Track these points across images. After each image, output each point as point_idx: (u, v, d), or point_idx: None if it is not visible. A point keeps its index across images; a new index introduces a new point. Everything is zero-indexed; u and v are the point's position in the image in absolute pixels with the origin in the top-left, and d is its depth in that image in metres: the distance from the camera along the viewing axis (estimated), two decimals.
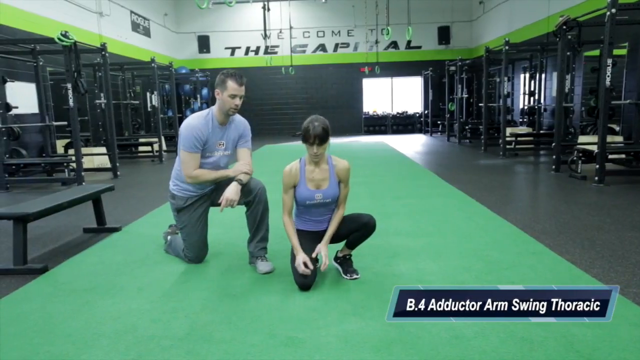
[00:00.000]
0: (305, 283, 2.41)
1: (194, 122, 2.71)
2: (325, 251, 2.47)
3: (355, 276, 2.58)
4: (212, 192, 2.89)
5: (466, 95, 12.52)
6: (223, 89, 2.64)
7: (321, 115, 2.51)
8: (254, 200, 2.78)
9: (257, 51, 16.35)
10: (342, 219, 2.60)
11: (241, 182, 2.69)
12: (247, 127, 2.91)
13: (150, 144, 9.49)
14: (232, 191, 2.64)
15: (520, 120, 11.82)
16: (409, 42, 15.76)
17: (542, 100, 10.16)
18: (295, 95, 16.69)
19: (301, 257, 2.39)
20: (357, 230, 2.56)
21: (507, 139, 8.69)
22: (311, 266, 2.36)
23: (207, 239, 2.94)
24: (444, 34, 15.95)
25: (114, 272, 2.83)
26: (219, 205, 2.66)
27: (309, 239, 2.55)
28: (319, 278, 2.62)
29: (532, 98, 10.65)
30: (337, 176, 2.54)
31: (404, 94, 17.14)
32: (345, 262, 2.65)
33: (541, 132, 9.69)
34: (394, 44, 16.28)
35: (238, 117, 2.87)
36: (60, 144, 8.44)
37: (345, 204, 2.57)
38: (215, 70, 15.28)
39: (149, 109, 12.24)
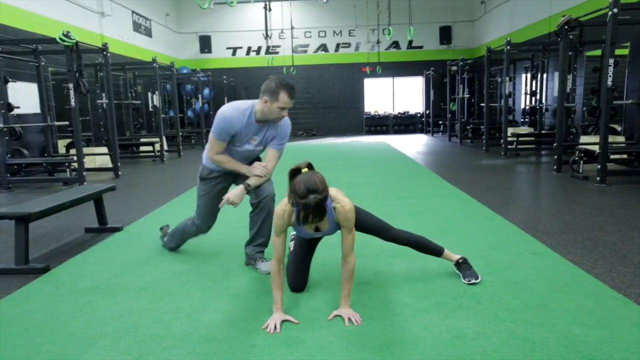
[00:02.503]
0: (297, 288, 2.42)
1: (228, 114, 2.60)
2: (347, 313, 2.10)
3: (474, 280, 2.46)
4: (236, 175, 2.85)
5: (467, 95, 12.52)
6: (274, 99, 2.50)
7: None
8: (258, 205, 2.76)
9: (258, 51, 16.35)
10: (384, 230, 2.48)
11: (248, 187, 2.66)
12: (287, 129, 2.73)
13: (152, 144, 9.50)
14: (235, 194, 2.62)
15: (522, 120, 11.81)
16: (410, 42, 15.77)
17: (543, 100, 10.15)
18: (297, 95, 16.50)
19: (277, 316, 2.06)
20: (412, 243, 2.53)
21: (509, 139, 8.68)
22: (279, 330, 2.01)
23: (217, 212, 2.91)
24: (445, 34, 15.94)
25: (115, 272, 2.84)
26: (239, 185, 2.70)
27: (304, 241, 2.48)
28: (321, 278, 2.62)
29: (533, 98, 10.64)
30: (336, 220, 2.18)
31: (406, 94, 17.14)
32: (461, 266, 2.56)
33: (543, 132, 9.68)
34: (396, 44, 16.28)
35: (284, 119, 2.73)
36: (61, 144, 8.46)
37: (353, 254, 2.16)
38: (216, 70, 15.54)
39: (151, 109, 12.32)
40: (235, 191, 2.63)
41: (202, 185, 2.86)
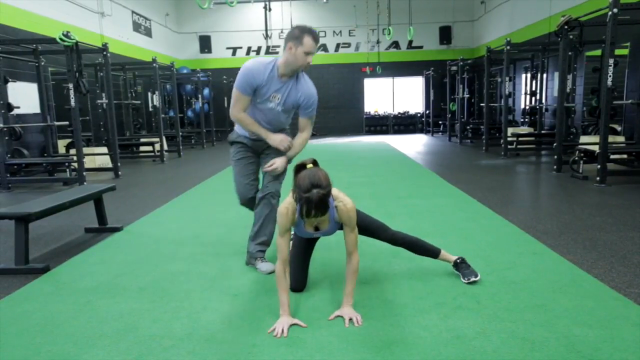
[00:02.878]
0: (296, 287, 2.42)
1: (251, 66, 2.61)
2: (348, 313, 2.09)
3: (473, 279, 2.46)
4: (261, 150, 2.87)
5: (467, 95, 12.52)
6: (298, 44, 2.51)
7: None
8: (262, 200, 2.78)
9: (258, 51, 16.36)
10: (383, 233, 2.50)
11: (290, 159, 2.76)
12: (312, 96, 2.70)
13: (152, 144, 9.50)
14: (282, 164, 2.70)
15: (522, 120, 11.81)
16: (410, 42, 15.77)
17: (543, 100, 10.16)
18: None
19: (284, 320, 2.04)
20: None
21: (509, 139, 8.68)
22: (286, 334, 1.99)
23: (251, 182, 2.89)
24: (445, 34, 15.94)
25: (115, 272, 2.84)
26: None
27: (304, 242, 2.49)
28: (321, 278, 2.62)
29: (533, 98, 10.65)
30: (338, 220, 2.20)
31: (406, 94, 17.14)
32: (460, 266, 2.56)
33: (542, 132, 9.68)
34: (396, 44, 16.28)
35: (306, 83, 2.70)
36: (61, 144, 8.46)
37: (357, 252, 2.19)
38: (216, 70, 15.50)
39: (150, 109, 12.32)
40: (281, 160, 2.70)
41: (231, 150, 2.93)
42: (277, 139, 2.71)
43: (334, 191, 2.15)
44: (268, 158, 2.78)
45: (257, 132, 2.73)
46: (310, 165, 2.09)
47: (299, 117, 2.77)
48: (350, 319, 2.06)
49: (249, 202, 2.94)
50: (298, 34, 2.52)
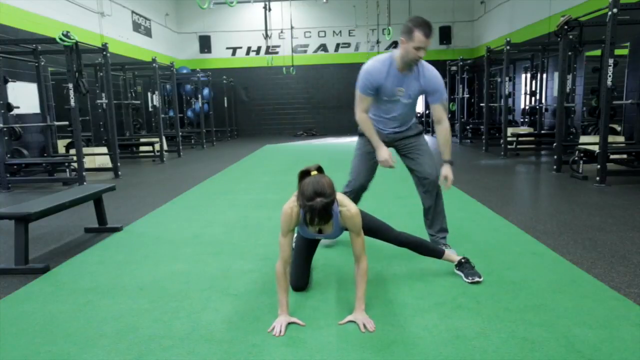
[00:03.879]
0: (298, 286, 2.42)
1: (370, 67, 2.71)
2: (361, 319, 2.05)
3: (476, 279, 2.46)
4: (396, 141, 2.98)
5: (467, 95, 12.53)
6: (409, 38, 2.56)
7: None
8: (423, 186, 2.96)
9: (258, 51, 16.35)
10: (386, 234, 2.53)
11: (451, 162, 2.88)
12: (436, 77, 2.75)
13: (152, 144, 9.50)
14: (450, 172, 2.81)
15: (522, 120, 11.82)
16: None
17: (543, 100, 10.16)
18: (296, 95, 16.70)
19: (282, 319, 2.05)
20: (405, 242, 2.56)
21: (509, 139, 8.68)
22: (283, 332, 1.99)
23: (369, 175, 3.01)
24: (445, 34, 15.95)
25: (115, 272, 2.84)
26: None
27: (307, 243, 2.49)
28: (321, 277, 2.62)
29: (533, 98, 10.66)
30: (342, 225, 2.20)
31: None
32: (463, 266, 2.55)
33: (542, 132, 9.69)
34: (395, 44, 16.28)
35: (428, 68, 2.75)
36: (61, 144, 8.46)
37: (365, 256, 2.18)
38: (216, 70, 15.52)
39: (150, 109, 12.32)
40: (447, 170, 2.82)
41: (359, 140, 3.01)
42: (384, 155, 2.81)
43: (338, 196, 2.13)
44: (412, 148, 2.99)
45: (371, 139, 2.83)
46: (314, 172, 2.06)
47: (432, 107, 2.82)
48: (365, 325, 2.02)
49: (360, 190, 3.04)
50: (410, 27, 2.56)
